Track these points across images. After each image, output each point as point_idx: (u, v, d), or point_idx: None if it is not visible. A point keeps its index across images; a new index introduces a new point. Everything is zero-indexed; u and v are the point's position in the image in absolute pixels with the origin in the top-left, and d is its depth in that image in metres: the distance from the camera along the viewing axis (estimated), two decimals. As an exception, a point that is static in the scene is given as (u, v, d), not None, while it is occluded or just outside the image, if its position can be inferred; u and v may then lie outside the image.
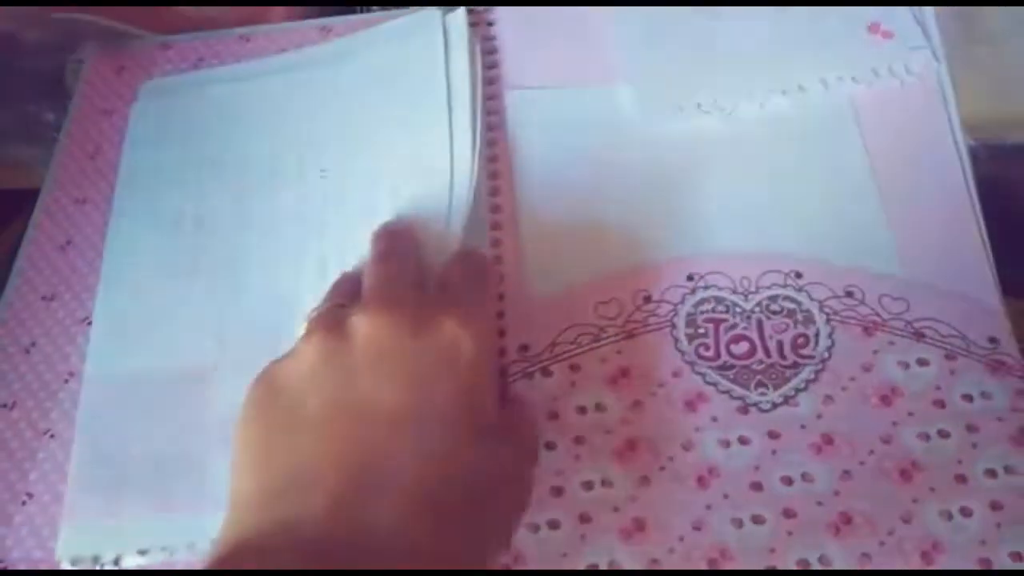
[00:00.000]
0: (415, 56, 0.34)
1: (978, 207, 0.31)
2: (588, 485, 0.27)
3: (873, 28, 0.34)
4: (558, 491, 0.27)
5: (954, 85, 0.33)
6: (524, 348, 0.30)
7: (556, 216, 0.32)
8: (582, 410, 0.28)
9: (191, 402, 0.30)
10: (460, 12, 0.34)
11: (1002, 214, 0.33)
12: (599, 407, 0.28)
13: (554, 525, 0.27)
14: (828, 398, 0.28)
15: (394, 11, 0.37)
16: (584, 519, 0.27)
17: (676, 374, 0.29)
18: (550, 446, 0.28)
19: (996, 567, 0.25)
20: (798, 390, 0.28)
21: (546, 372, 0.29)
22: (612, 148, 0.33)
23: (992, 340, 0.28)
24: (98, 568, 0.27)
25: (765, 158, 0.32)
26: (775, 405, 0.28)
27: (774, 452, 0.27)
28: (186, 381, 0.30)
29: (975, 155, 0.32)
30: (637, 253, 0.31)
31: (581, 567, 0.26)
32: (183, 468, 0.28)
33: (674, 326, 0.30)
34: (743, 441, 0.28)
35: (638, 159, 0.32)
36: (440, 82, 0.32)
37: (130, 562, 0.27)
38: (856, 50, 0.34)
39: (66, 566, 0.28)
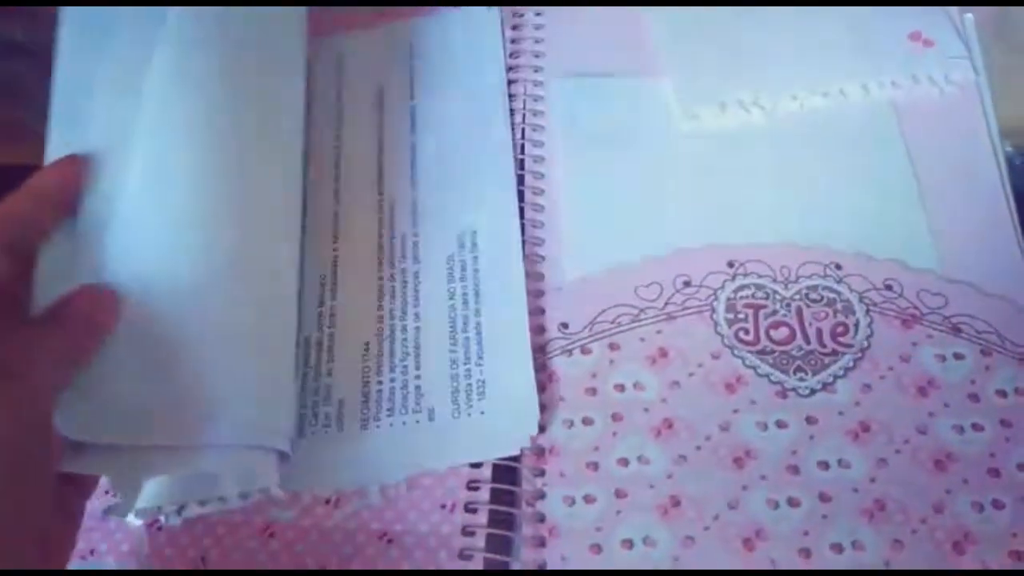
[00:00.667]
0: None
1: (1015, 211, 0.31)
2: (624, 462, 0.27)
3: (914, 36, 0.35)
4: (594, 466, 0.27)
5: (992, 93, 0.34)
6: (564, 326, 0.30)
7: (598, 201, 0.32)
8: (620, 388, 0.29)
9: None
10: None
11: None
12: (637, 385, 0.29)
13: (590, 499, 0.27)
14: (866, 386, 0.28)
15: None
16: (620, 495, 0.27)
17: (715, 356, 0.29)
18: (587, 422, 0.28)
19: (1027, 559, 0.25)
20: (837, 377, 0.28)
21: (585, 350, 0.29)
22: (654, 137, 0.33)
23: (1028, 338, 0.29)
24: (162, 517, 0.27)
25: (805, 155, 0.33)
26: (813, 391, 0.28)
27: (812, 437, 0.28)
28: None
29: (1012, 162, 0.33)
30: (678, 239, 0.31)
31: (615, 542, 0.26)
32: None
33: (714, 310, 0.30)
34: (781, 425, 0.28)
35: (680, 149, 0.33)
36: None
37: (193, 511, 0.27)
38: (897, 57, 0.34)
39: (132, 518, 0.27)
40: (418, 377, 0.29)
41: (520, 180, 0.33)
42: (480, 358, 0.29)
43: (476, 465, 0.28)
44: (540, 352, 0.29)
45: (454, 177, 0.33)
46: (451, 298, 0.30)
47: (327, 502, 0.28)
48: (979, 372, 0.28)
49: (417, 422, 0.28)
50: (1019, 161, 0.33)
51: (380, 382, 0.29)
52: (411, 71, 0.36)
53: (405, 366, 0.30)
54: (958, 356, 0.29)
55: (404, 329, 0.30)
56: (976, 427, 0.27)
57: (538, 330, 0.30)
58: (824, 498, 0.27)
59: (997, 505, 0.26)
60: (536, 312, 0.30)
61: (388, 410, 0.29)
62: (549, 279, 0.31)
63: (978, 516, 0.26)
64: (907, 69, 0.34)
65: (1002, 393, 0.28)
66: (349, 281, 0.32)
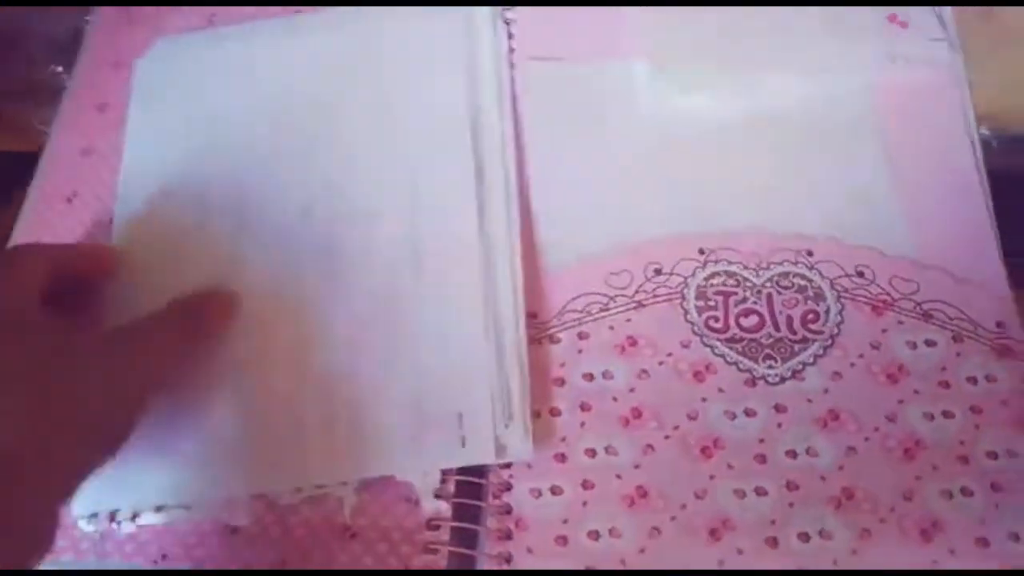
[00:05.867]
0: (439, 35, 0.34)
1: (989, 195, 0.31)
2: (591, 452, 0.27)
3: (891, 18, 0.34)
4: (562, 457, 0.27)
5: (969, 76, 0.33)
6: (533, 316, 0.29)
7: (569, 189, 0.32)
8: (589, 377, 0.28)
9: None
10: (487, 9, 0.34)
11: (1013, 203, 0.33)
12: (606, 374, 0.28)
13: (557, 491, 0.27)
14: (836, 374, 0.28)
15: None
16: (587, 486, 0.27)
17: (685, 344, 0.29)
18: (555, 412, 0.28)
19: (993, 547, 0.25)
20: (806, 364, 0.28)
21: (554, 339, 0.29)
22: (627, 123, 0.32)
23: (999, 325, 0.28)
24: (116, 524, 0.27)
25: (779, 139, 0.32)
26: (783, 378, 0.28)
27: (780, 425, 0.27)
28: None
29: (988, 145, 0.33)
30: (649, 227, 0.31)
31: (582, 534, 0.26)
32: (187, 419, 0.28)
33: (684, 298, 0.29)
34: (749, 413, 0.28)
35: (652, 135, 0.32)
36: (459, 66, 0.32)
37: (148, 519, 0.27)
38: (873, 38, 0.33)
39: (83, 524, 0.27)
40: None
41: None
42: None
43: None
44: (507, 342, 0.29)
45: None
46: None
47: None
48: (950, 359, 0.28)
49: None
50: (996, 144, 0.33)
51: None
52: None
53: None
54: (929, 343, 0.28)
55: None
56: (946, 414, 0.27)
57: (505, 320, 0.29)
58: (791, 487, 0.26)
59: (966, 492, 0.26)
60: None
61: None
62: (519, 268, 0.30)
63: (947, 504, 0.26)
64: (883, 51, 0.33)
65: (972, 380, 0.28)
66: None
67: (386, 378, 0.27)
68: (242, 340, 0.28)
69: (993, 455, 0.27)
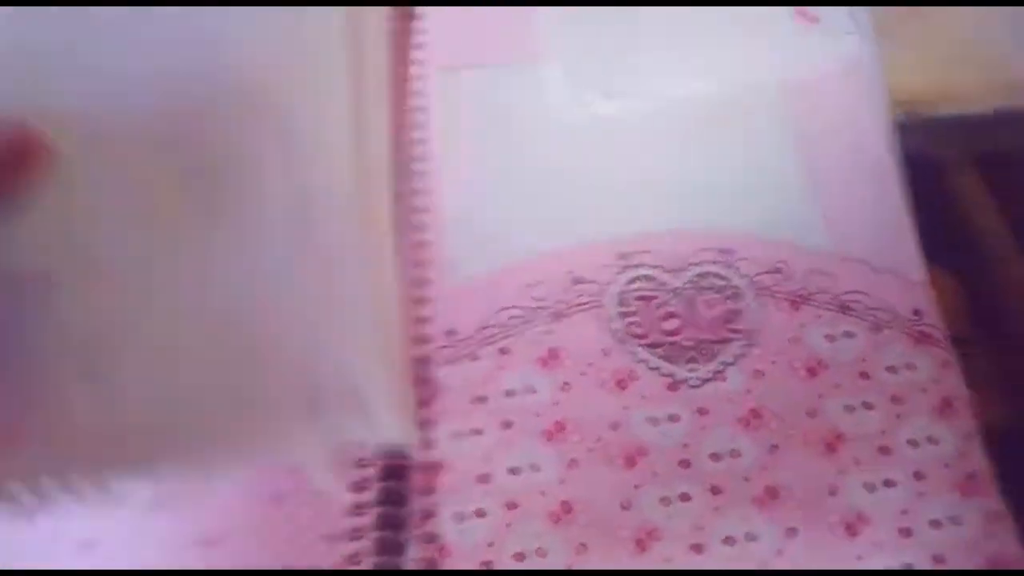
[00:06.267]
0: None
1: (903, 185, 0.31)
2: (515, 471, 0.27)
3: (800, 13, 0.34)
4: (485, 478, 0.27)
5: (883, 60, 0.33)
6: (451, 333, 0.29)
7: (483, 198, 0.31)
8: (511, 393, 0.28)
9: None
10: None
11: (929, 186, 0.33)
12: (528, 389, 0.28)
13: (480, 514, 0.26)
14: (757, 372, 0.28)
15: None
16: (511, 506, 0.26)
17: (606, 353, 0.28)
18: (477, 432, 0.28)
19: (916, 536, 0.25)
20: (727, 365, 0.28)
21: (473, 357, 0.29)
22: (539, 128, 0.32)
23: (916, 312, 0.28)
24: None
25: (692, 138, 0.32)
26: (704, 381, 0.28)
27: (703, 428, 0.27)
28: None
29: (904, 129, 0.33)
30: (565, 234, 0.30)
31: (507, 556, 0.26)
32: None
33: (604, 305, 0.29)
34: (672, 419, 0.27)
35: (565, 139, 0.32)
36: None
37: None
38: (782, 35, 0.33)
39: None
40: None
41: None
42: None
43: (360, 488, 0.27)
44: (423, 364, 0.28)
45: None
46: None
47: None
48: (869, 350, 0.28)
49: None
50: (911, 128, 0.33)
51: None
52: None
53: None
54: (848, 335, 0.28)
55: None
56: (867, 406, 0.27)
57: (421, 340, 0.29)
58: (716, 491, 0.26)
59: (888, 483, 0.26)
60: (419, 322, 0.29)
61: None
62: (434, 283, 0.30)
63: (870, 496, 0.26)
64: (793, 45, 0.33)
65: (892, 369, 0.28)
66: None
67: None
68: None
69: (914, 443, 0.27)
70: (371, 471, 0.27)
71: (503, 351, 0.29)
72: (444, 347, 0.29)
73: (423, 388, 0.28)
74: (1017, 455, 0.32)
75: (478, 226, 0.31)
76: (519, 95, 0.33)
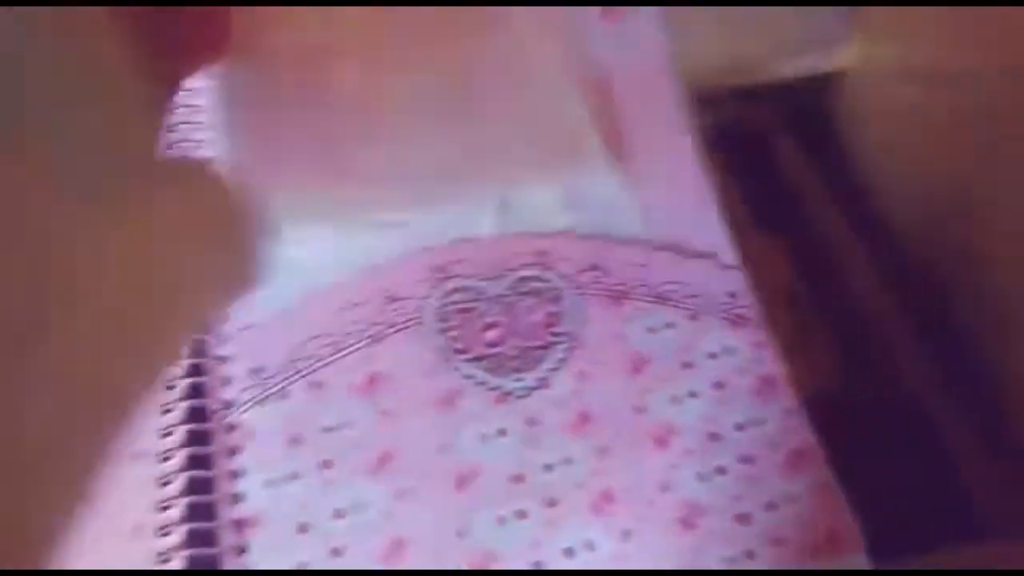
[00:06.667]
0: None
1: (706, 158, 0.31)
2: (340, 513, 0.25)
3: (605, 14, 0.34)
4: (305, 528, 0.24)
5: (677, 38, 0.34)
6: (257, 371, 0.27)
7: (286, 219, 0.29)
8: (328, 430, 0.26)
9: None
10: None
11: (750, 154, 0.34)
12: (347, 423, 0.26)
13: (303, 567, 0.24)
14: (582, 374, 0.27)
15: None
16: (336, 553, 0.24)
17: (429, 373, 0.27)
18: (294, 477, 0.25)
19: (753, 522, 0.25)
20: (552, 370, 0.27)
21: (284, 395, 0.26)
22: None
23: (731, 295, 0.29)
24: None
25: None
26: (531, 390, 0.27)
27: (534, 440, 0.26)
28: None
29: (702, 104, 0.33)
30: (377, 249, 0.29)
31: (339, 602, 0.24)
32: None
33: (423, 323, 0.28)
34: (502, 433, 0.26)
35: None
36: None
37: None
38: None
39: None
40: None
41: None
42: None
43: (164, 559, 0.24)
44: (226, 408, 0.26)
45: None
46: None
47: None
48: (689, 338, 0.28)
49: None
50: (709, 102, 0.33)
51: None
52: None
53: None
54: (669, 325, 0.28)
55: None
56: (692, 395, 0.27)
57: (223, 382, 0.26)
58: (551, 503, 0.25)
59: (720, 471, 0.26)
60: (218, 362, 0.26)
61: None
62: (234, 318, 0.27)
63: (704, 486, 0.26)
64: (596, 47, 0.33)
65: (713, 355, 0.28)
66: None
67: None
68: None
69: (741, 427, 0.27)
70: (175, 537, 0.24)
71: (316, 384, 0.27)
72: (250, 387, 0.26)
73: (228, 436, 0.25)
74: (847, 413, 0.33)
75: (280, 251, 0.29)
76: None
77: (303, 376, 0.27)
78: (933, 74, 0.32)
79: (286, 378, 0.26)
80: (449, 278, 0.28)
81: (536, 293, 0.28)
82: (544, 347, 0.27)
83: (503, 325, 0.28)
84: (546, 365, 0.27)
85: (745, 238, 0.37)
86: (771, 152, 0.39)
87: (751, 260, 0.37)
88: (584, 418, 0.26)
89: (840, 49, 0.34)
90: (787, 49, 0.35)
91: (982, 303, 0.32)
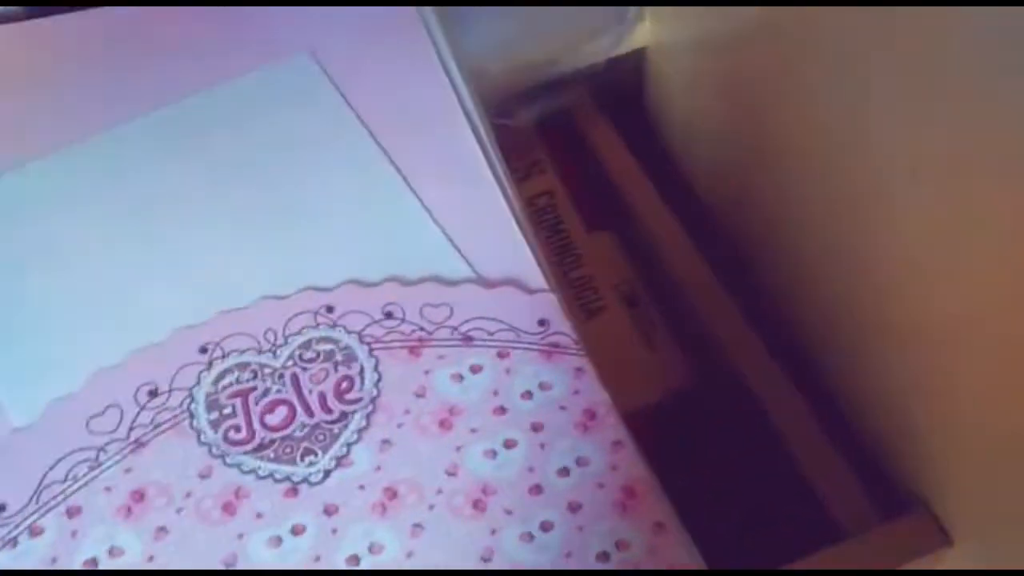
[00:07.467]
0: None
1: (501, 183, 0.28)
2: (111, 660, 0.21)
3: None
4: None
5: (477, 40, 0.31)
6: (0, 508, 0.23)
7: (18, 318, 0.25)
8: (93, 562, 0.22)
9: None
10: None
11: (557, 153, 0.32)
12: (114, 551, 0.22)
13: None
14: (385, 443, 0.24)
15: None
16: None
17: (204, 475, 0.23)
18: (53, 629, 0.22)
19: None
20: (350, 444, 0.24)
21: (35, 531, 0.22)
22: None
23: (542, 323, 0.26)
24: None
25: (267, 192, 0.27)
26: (327, 472, 0.24)
27: (334, 531, 0.23)
28: None
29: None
30: (131, 339, 0.25)
31: None
32: None
33: (193, 416, 0.24)
34: (297, 531, 0.23)
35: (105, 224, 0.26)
36: None
37: None
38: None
39: None
40: None
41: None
42: None
43: None
44: (-37, 567, 0.22)
45: None
46: None
47: None
48: (500, 379, 0.25)
49: None
50: (497, 118, 0.30)
51: None
52: None
53: None
54: (475, 369, 0.25)
55: None
56: (509, 444, 0.24)
57: (-46, 536, 0.22)
58: (358, 603, 0.22)
59: (545, 527, 0.23)
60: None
61: None
62: (-37, 453, 0.23)
63: (531, 547, 0.23)
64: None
65: (527, 395, 0.25)
66: None
67: None
68: None
69: (565, 472, 0.24)
70: None
71: (72, 512, 0.23)
72: (-12, 533, 0.22)
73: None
74: (699, 413, 0.32)
75: (19, 356, 0.25)
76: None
77: (56, 505, 0.23)
78: (713, 41, 0.30)
79: (36, 509, 0.23)
80: (221, 357, 0.25)
81: (325, 357, 0.25)
82: (339, 419, 0.24)
83: (289, 402, 0.24)
84: (343, 440, 0.24)
85: (580, 243, 0.35)
86: (589, 140, 0.36)
87: (590, 263, 0.35)
88: (391, 494, 0.23)
89: (637, 27, 0.31)
90: (589, 33, 0.32)
91: (781, 265, 0.30)
